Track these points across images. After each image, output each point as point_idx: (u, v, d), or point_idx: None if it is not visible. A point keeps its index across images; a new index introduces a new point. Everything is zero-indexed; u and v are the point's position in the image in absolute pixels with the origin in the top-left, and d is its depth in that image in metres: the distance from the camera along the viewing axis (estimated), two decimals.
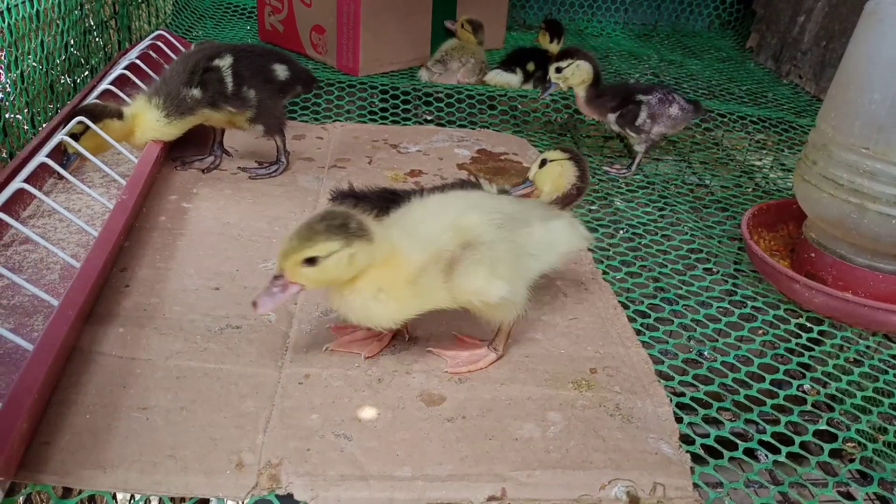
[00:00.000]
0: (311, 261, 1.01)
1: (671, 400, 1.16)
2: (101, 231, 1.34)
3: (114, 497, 0.95)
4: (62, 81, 1.98)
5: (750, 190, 2.10)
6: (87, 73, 2.18)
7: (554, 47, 2.72)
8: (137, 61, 1.95)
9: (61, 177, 1.58)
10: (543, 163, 1.49)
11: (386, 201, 1.51)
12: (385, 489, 0.96)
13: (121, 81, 1.85)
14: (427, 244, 1.08)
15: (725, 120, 2.48)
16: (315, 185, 1.83)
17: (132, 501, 1.71)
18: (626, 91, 2.11)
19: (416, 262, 1.07)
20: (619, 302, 1.42)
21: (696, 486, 1.00)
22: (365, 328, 1.21)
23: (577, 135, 2.38)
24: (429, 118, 2.41)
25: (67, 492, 0.96)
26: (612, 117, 2.09)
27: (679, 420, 1.12)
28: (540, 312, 1.36)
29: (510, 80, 2.63)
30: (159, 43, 2.16)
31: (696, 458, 1.05)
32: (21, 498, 0.94)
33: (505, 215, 1.14)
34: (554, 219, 1.25)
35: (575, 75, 2.05)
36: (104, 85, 1.80)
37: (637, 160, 2.14)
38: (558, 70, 2.05)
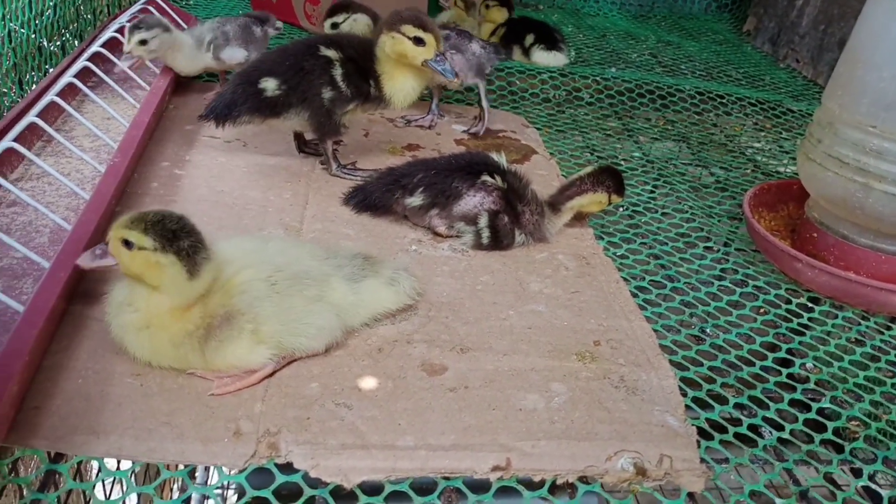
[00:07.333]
0: (128, 244, 0.98)
1: (675, 374, 1.14)
2: (92, 194, 1.30)
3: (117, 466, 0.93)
4: (49, 46, 1.92)
5: (749, 171, 2.09)
6: (76, 36, 2.12)
7: (499, 14, 2.59)
8: (128, 25, 1.89)
9: (50, 139, 1.53)
10: None
11: (390, 185, 1.49)
12: (387, 458, 0.94)
13: (111, 45, 1.80)
14: (200, 307, 1.03)
15: (724, 101, 2.46)
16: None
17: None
18: None
19: (191, 321, 1.02)
20: (621, 277, 1.41)
21: (702, 459, 0.99)
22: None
23: (576, 113, 2.35)
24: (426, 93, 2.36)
25: (59, 457, 0.93)
26: None
27: (683, 394, 1.11)
28: (542, 285, 1.34)
29: (558, 59, 2.54)
30: (150, 8, 2.11)
31: (700, 433, 1.04)
32: (8, 464, 0.91)
33: (289, 273, 1.08)
34: (368, 277, 1.16)
35: (353, 31, 1.91)
36: (94, 48, 1.76)
37: (482, 104, 2.03)
38: (334, 26, 1.92)
